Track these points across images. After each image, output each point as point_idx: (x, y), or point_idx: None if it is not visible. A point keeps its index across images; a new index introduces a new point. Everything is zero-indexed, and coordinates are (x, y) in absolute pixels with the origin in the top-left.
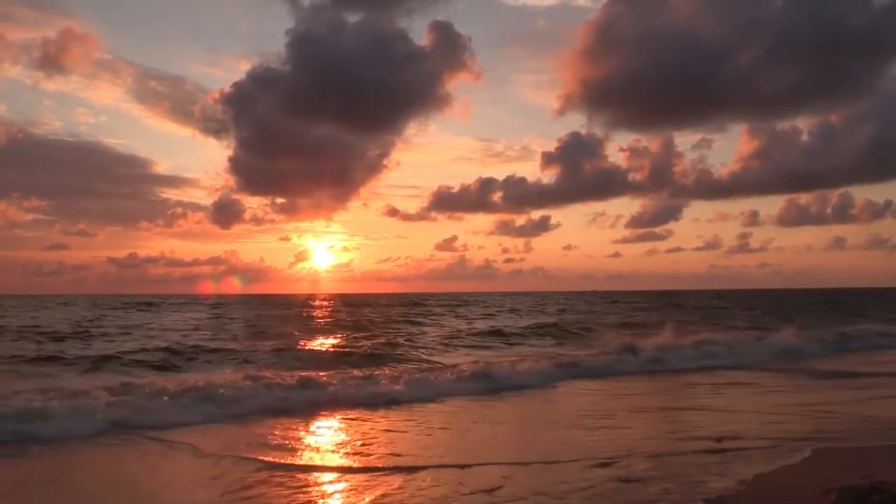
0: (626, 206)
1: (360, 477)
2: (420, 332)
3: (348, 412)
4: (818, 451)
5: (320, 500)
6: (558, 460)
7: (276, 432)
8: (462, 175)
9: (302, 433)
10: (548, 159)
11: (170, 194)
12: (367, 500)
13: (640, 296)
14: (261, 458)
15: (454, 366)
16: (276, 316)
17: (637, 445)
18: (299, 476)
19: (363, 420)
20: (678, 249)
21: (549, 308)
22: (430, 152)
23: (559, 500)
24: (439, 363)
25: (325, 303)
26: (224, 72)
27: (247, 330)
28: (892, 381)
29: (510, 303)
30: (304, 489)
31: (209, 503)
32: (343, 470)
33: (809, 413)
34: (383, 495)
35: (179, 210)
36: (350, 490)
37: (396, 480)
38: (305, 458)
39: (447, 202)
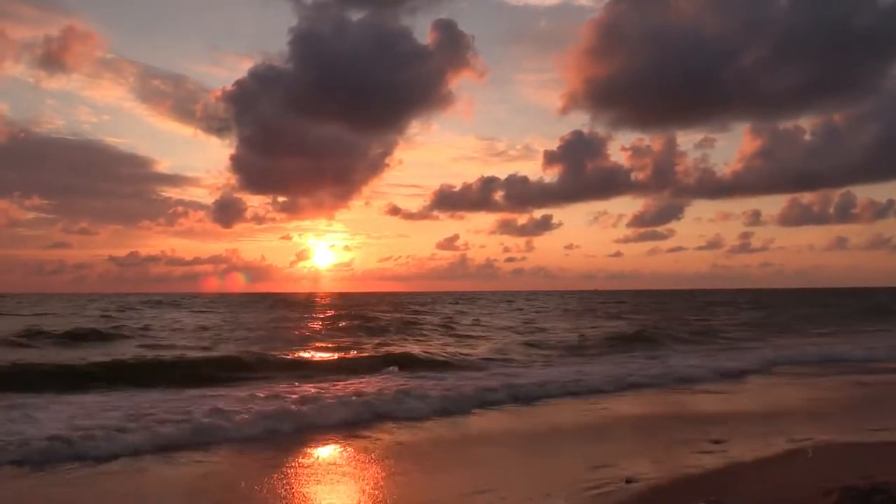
0: (628, 206)
1: None
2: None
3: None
4: (818, 450)
5: None
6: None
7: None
8: (464, 174)
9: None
10: (550, 158)
11: (171, 193)
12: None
13: (653, 296)
14: None
15: None
16: (312, 318)
17: (639, 445)
18: None
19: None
20: (680, 249)
21: (571, 307)
22: (433, 151)
23: (563, 500)
24: None
25: (349, 302)
26: (227, 71)
27: (318, 333)
28: None
29: (529, 303)
30: None
31: None
32: None
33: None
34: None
35: (181, 209)
36: None
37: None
38: None
39: (449, 201)
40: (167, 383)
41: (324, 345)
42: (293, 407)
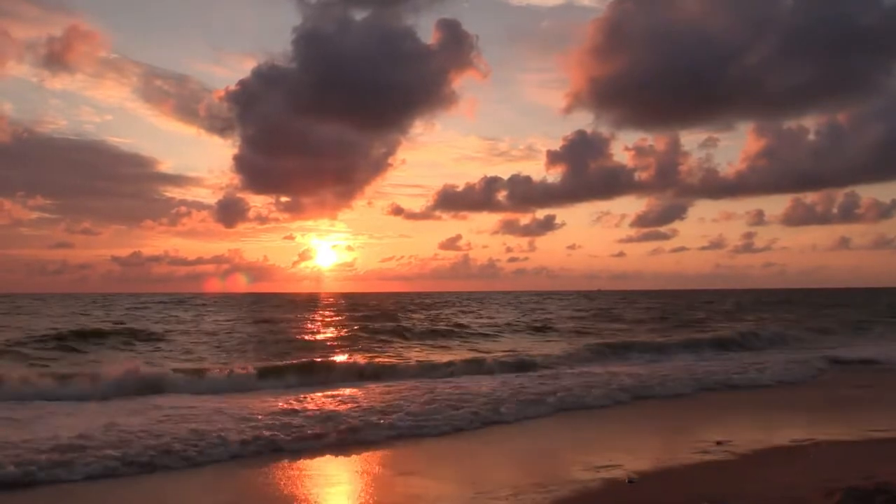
0: (631, 206)
1: None
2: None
3: None
4: (819, 449)
5: None
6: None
7: None
8: (467, 174)
9: None
10: (553, 158)
11: (174, 193)
12: None
13: (667, 295)
14: None
15: None
16: (352, 320)
17: (642, 446)
18: None
19: None
20: (682, 249)
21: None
22: (435, 151)
23: (565, 499)
24: None
25: (363, 303)
26: (230, 71)
27: (384, 335)
28: None
29: (552, 304)
30: None
31: None
32: None
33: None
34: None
35: (184, 209)
36: None
37: None
38: None
39: (452, 201)
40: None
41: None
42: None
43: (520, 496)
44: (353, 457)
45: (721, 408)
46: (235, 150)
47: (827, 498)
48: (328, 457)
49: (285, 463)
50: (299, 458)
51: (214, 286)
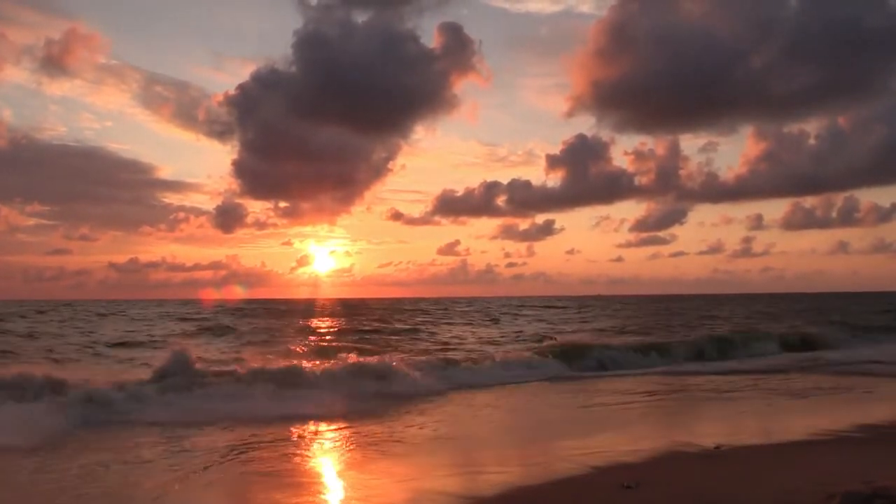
0: (630, 210)
1: None
2: None
3: None
4: (819, 452)
5: None
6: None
7: None
8: (466, 179)
9: None
10: (552, 162)
11: (172, 199)
12: None
13: (670, 301)
14: None
15: None
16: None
17: (639, 449)
18: None
19: None
20: (681, 254)
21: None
22: (435, 156)
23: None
24: None
25: (408, 307)
26: (231, 76)
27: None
28: None
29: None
30: None
31: None
32: None
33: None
34: None
35: (182, 215)
36: None
37: None
38: None
39: (451, 206)
40: None
41: None
42: None
43: None
44: None
45: None
46: (234, 156)
47: (826, 501)
48: None
49: None
50: None
51: (211, 292)
